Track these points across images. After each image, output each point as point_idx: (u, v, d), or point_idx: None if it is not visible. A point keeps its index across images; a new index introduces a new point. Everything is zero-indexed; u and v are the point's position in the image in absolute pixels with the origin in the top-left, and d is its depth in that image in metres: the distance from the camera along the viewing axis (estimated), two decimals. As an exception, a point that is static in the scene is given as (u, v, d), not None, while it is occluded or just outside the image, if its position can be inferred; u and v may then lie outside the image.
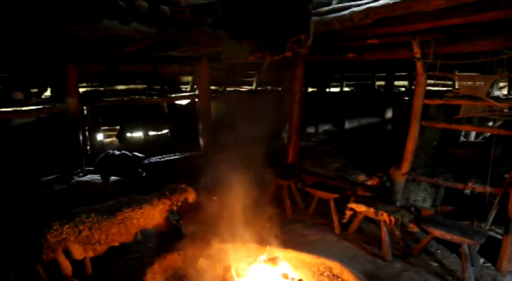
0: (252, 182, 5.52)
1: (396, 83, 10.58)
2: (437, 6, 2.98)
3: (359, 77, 11.21)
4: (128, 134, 7.84)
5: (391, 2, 3.21)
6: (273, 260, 3.49)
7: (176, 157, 6.87)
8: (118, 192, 4.57)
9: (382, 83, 10.69)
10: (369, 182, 4.97)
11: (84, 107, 6.55)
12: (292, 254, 3.72)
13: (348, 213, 4.22)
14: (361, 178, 5.13)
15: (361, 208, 3.99)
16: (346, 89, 11.54)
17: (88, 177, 5.19)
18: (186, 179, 4.80)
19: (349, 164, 5.77)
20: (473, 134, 6.36)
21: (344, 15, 3.65)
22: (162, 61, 6.66)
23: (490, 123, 5.63)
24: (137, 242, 3.89)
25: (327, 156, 6.41)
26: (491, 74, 3.60)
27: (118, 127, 7.70)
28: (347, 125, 10.72)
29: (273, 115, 8.00)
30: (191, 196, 4.25)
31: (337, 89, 11.47)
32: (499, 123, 5.22)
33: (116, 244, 3.47)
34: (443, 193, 4.91)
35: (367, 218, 4.20)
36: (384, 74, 10.27)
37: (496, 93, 7.08)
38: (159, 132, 8.41)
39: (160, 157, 6.65)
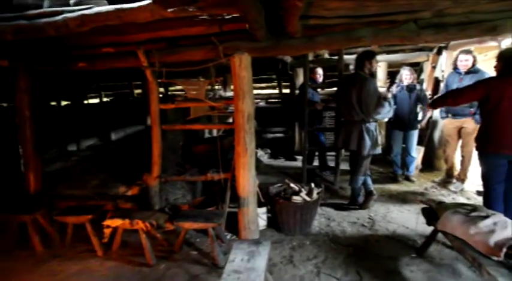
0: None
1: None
2: (146, 19, 3.17)
3: (117, 86, 10.90)
4: None
5: (104, 10, 3.18)
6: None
7: None
8: None
9: (140, 91, 10.83)
10: (130, 193, 4.90)
11: None
12: (40, 300, 3.16)
13: (107, 231, 3.99)
14: (122, 189, 5.00)
15: (116, 222, 3.84)
16: (105, 99, 10.97)
17: None
18: None
19: (110, 179, 5.50)
20: (215, 131, 7.44)
21: (58, 20, 3.33)
22: None
23: (230, 120, 6.73)
24: None
25: (86, 174, 5.88)
26: (206, 79, 4.23)
27: None
28: (113, 136, 10.20)
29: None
30: None
31: (96, 100, 10.73)
32: (230, 119, 6.32)
33: None
34: (201, 186, 5.48)
35: (132, 230, 4.08)
36: (140, 83, 10.43)
37: (228, 94, 8.57)
38: None
39: None
